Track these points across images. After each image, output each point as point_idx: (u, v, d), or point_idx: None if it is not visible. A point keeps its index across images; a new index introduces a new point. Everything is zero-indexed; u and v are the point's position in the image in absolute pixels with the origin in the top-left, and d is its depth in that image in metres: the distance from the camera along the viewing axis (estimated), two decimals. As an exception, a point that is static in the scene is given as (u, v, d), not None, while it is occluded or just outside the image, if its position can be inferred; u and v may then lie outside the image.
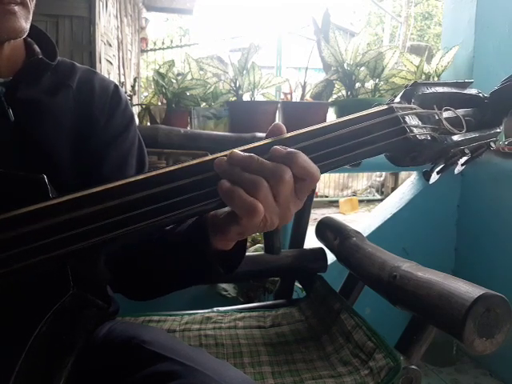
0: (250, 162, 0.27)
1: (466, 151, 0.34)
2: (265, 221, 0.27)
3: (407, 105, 0.32)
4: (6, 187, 0.27)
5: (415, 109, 0.32)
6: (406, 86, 0.34)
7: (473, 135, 0.34)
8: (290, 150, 0.27)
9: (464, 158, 0.35)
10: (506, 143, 1.11)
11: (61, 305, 0.26)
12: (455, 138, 0.33)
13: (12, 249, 0.22)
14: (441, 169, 0.34)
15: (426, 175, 0.35)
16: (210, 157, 0.28)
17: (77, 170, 0.43)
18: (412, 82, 0.34)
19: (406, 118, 0.31)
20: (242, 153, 0.27)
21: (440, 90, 0.35)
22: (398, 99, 0.33)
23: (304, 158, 0.27)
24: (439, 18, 8.59)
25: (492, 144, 0.36)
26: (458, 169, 0.36)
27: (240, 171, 0.27)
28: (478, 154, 0.36)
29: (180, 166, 0.27)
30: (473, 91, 0.37)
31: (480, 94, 0.37)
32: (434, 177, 0.35)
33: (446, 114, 0.33)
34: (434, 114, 0.33)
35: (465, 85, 0.37)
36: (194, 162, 0.27)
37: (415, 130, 0.31)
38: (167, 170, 0.27)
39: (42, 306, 0.26)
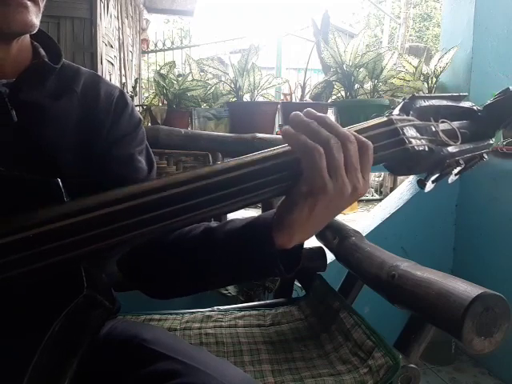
0: (327, 117, 0.30)
1: (461, 162, 0.35)
2: (336, 181, 0.29)
3: (406, 117, 0.33)
4: (21, 190, 0.27)
5: (413, 121, 0.33)
6: (403, 99, 0.35)
7: (467, 146, 0.36)
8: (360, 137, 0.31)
9: (458, 168, 0.36)
10: (505, 143, 1.12)
11: (74, 305, 0.26)
12: (451, 149, 0.34)
13: (29, 250, 0.23)
14: (436, 178, 0.35)
15: (421, 183, 0.36)
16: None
17: (81, 172, 0.43)
18: (410, 95, 0.36)
19: (405, 129, 0.32)
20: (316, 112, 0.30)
21: (436, 103, 0.36)
22: (396, 111, 0.34)
23: (354, 132, 0.31)
24: (438, 19, 8.62)
25: (485, 155, 0.38)
26: (452, 178, 0.37)
27: (318, 126, 0.29)
28: (471, 164, 0.37)
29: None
30: (467, 104, 0.39)
31: (474, 107, 0.39)
32: (430, 186, 0.36)
33: (442, 126, 0.35)
34: (431, 125, 0.34)
35: (460, 98, 0.39)
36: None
37: (413, 141, 0.32)
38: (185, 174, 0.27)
39: (56, 306, 0.26)
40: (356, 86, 1.09)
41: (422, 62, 1.10)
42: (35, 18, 0.40)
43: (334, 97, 1.15)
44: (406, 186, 1.32)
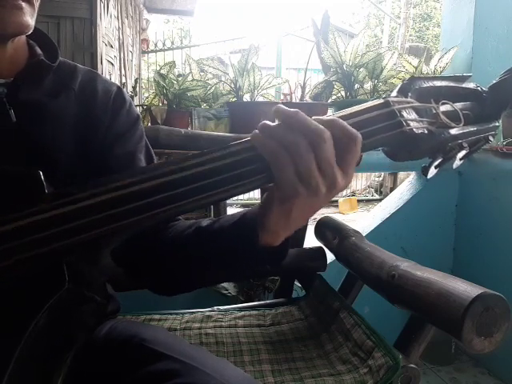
0: (295, 115, 0.27)
1: (464, 145, 0.33)
2: (307, 182, 0.27)
3: (403, 99, 0.32)
4: (2, 183, 0.27)
5: (412, 102, 0.31)
6: (403, 81, 0.33)
7: (471, 129, 0.34)
8: (325, 118, 0.28)
9: (462, 152, 0.34)
10: (505, 143, 1.12)
11: (56, 299, 0.26)
12: (453, 131, 0.32)
13: (11, 242, 0.23)
14: (439, 163, 0.33)
15: (424, 170, 0.34)
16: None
17: (81, 170, 0.43)
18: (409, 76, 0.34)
19: (403, 111, 0.30)
20: (286, 108, 0.28)
21: (437, 83, 0.34)
22: (394, 93, 0.33)
23: (342, 122, 0.28)
24: (438, 19, 8.62)
25: (490, 138, 0.35)
26: (457, 163, 0.35)
27: (282, 129, 0.27)
28: (476, 147, 0.35)
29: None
30: (471, 85, 0.37)
31: (478, 88, 0.36)
32: (432, 171, 0.34)
33: (443, 108, 0.33)
34: (431, 107, 0.32)
35: (463, 78, 0.37)
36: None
37: (412, 123, 0.30)
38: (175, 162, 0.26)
39: (37, 300, 0.26)
40: (356, 86, 1.09)
41: (422, 62, 1.10)
42: (30, 19, 0.40)
43: (333, 97, 1.15)
44: (405, 186, 1.32)
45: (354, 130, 0.28)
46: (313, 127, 0.27)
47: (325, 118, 0.28)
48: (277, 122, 0.28)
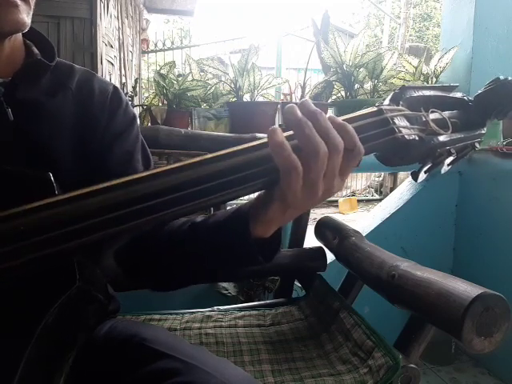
0: (319, 118, 0.27)
1: (452, 151, 0.35)
2: (310, 189, 0.27)
3: (396, 107, 0.34)
4: (13, 184, 0.27)
5: (403, 110, 0.33)
6: (394, 90, 0.35)
7: (458, 136, 0.36)
8: (340, 120, 0.28)
9: (450, 158, 0.36)
10: (505, 143, 1.12)
11: (66, 297, 0.26)
12: (441, 138, 0.34)
13: (20, 242, 0.23)
14: (428, 168, 0.35)
15: (414, 175, 0.36)
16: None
17: (79, 169, 0.43)
18: (400, 85, 0.36)
19: (395, 119, 0.32)
20: (312, 105, 0.27)
21: (427, 93, 0.37)
22: (387, 102, 0.34)
23: (353, 131, 0.28)
24: (438, 19, 8.63)
25: (477, 144, 0.38)
26: (445, 168, 0.37)
27: (312, 129, 0.26)
28: (463, 154, 0.37)
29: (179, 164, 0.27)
30: (458, 94, 0.39)
31: (465, 97, 0.39)
32: (422, 176, 0.36)
33: (432, 116, 0.35)
34: (421, 115, 0.34)
35: (450, 88, 0.39)
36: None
37: (403, 130, 0.32)
38: (181, 164, 0.27)
39: (48, 297, 0.26)
40: (356, 86, 1.09)
41: (422, 62, 1.10)
42: (26, 17, 0.40)
43: (333, 97, 1.15)
44: (405, 186, 1.32)
45: (360, 144, 0.28)
46: (332, 136, 0.27)
47: (338, 121, 0.28)
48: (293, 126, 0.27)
